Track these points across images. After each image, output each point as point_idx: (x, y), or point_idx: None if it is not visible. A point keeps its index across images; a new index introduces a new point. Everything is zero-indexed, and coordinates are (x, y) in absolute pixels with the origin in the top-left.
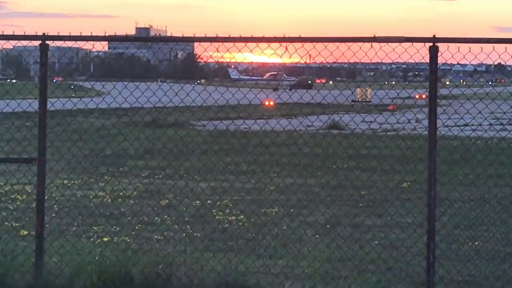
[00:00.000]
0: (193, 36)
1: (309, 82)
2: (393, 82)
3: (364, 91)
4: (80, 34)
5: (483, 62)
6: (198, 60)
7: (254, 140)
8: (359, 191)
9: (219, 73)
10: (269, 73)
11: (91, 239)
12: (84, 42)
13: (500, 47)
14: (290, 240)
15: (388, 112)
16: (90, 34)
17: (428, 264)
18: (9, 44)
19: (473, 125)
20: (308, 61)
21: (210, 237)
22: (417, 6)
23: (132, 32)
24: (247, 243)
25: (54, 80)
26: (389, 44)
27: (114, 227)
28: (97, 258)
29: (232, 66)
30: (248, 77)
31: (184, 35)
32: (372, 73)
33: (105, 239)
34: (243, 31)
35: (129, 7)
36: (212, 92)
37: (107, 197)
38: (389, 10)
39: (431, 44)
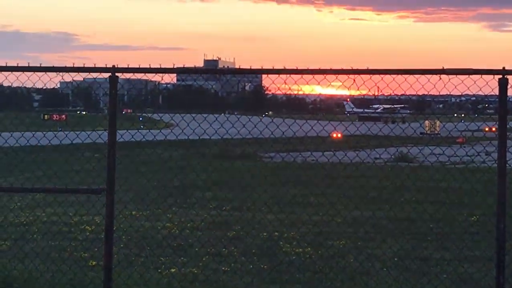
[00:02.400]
0: (260, 68)
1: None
2: (462, 115)
3: (433, 123)
4: (149, 66)
5: None
6: (265, 92)
7: (321, 172)
8: (427, 224)
9: (289, 105)
10: (383, 106)
11: (159, 270)
12: (153, 74)
13: None
14: (357, 273)
15: (457, 144)
16: (159, 66)
17: None
18: (79, 76)
19: None
20: (376, 93)
21: (277, 269)
22: (485, 37)
23: (200, 64)
24: (314, 276)
25: (123, 112)
26: (457, 76)
27: (182, 258)
28: None
29: (348, 100)
30: (361, 110)
31: (251, 67)
32: (441, 105)
33: (173, 270)
34: (312, 63)
35: (197, 39)
36: (280, 123)
37: (175, 228)
38: (456, 43)
39: (500, 76)
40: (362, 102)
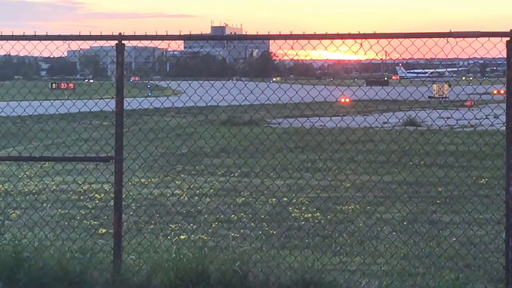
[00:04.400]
0: (267, 34)
1: (385, 78)
2: (470, 78)
3: (441, 87)
4: (155, 34)
5: None
6: (273, 58)
7: (330, 137)
8: (436, 188)
9: (297, 70)
10: (434, 70)
11: (168, 237)
12: (160, 41)
13: None
14: (367, 238)
15: (465, 108)
16: (166, 34)
17: (506, 260)
18: (86, 45)
19: None
20: (383, 58)
21: (287, 235)
22: (493, 2)
23: (207, 31)
24: (323, 241)
25: (131, 80)
26: (465, 39)
27: (191, 225)
28: (174, 256)
29: (400, 64)
30: (416, 74)
31: (258, 33)
32: (448, 70)
33: (182, 237)
34: (318, 28)
35: (204, 6)
36: (287, 89)
37: (184, 195)
38: (464, 9)
39: (508, 38)
40: (411, 66)
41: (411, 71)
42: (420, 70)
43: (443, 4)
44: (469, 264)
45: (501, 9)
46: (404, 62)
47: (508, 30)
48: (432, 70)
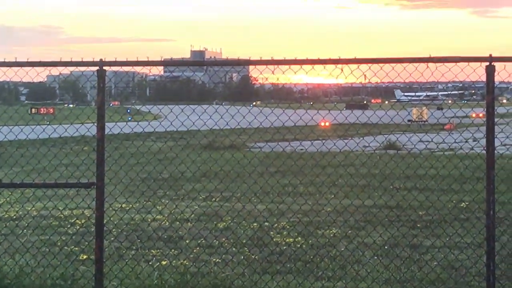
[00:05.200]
0: (248, 59)
1: (365, 102)
2: (450, 101)
3: (421, 111)
4: (136, 59)
5: None
6: (253, 82)
7: (311, 162)
8: (417, 212)
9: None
10: (427, 93)
11: (150, 263)
12: (141, 66)
13: None
14: (349, 262)
15: (445, 131)
16: (147, 59)
17: (487, 285)
18: (66, 70)
19: None
20: (363, 82)
21: (268, 260)
22: (471, 23)
23: (187, 55)
24: (305, 265)
25: (111, 104)
26: (445, 64)
27: (173, 250)
28: (156, 282)
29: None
30: (413, 95)
31: (239, 58)
32: (441, 93)
33: (164, 262)
34: (299, 51)
35: (184, 30)
36: (268, 114)
37: (165, 220)
38: (443, 30)
39: (487, 63)
40: (408, 89)
41: (408, 94)
42: (413, 94)
43: (421, 25)
44: None
45: (480, 33)
46: (402, 86)
47: (487, 55)
48: (426, 93)
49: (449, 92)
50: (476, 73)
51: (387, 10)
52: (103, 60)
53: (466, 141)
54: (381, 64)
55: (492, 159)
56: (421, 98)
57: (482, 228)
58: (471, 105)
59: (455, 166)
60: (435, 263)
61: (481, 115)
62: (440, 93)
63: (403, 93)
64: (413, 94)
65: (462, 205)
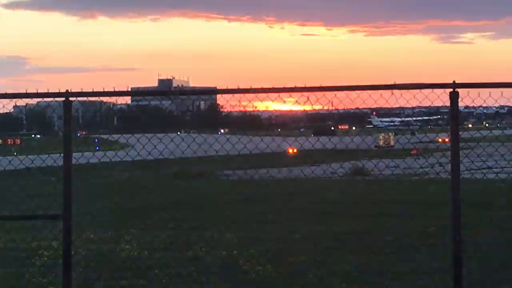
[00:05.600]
0: (214, 88)
1: (332, 128)
2: (418, 126)
3: (387, 136)
4: (103, 90)
5: (505, 105)
6: (220, 110)
7: (279, 189)
8: (385, 238)
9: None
10: (402, 119)
11: None
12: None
13: None
14: None
15: (411, 157)
16: (113, 89)
17: None
18: (33, 100)
19: (496, 167)
20: (330, 108)
21: None
22: (435, 49)
23: (154, 83)
24: None
25: (79, 134)
26: (409, 90)
27: (141, 280)
28: None
29: (374, 113)
30: (390, 120)
31: (206, 87)
32: (414, 119)
33: None
34: (266, 79)
35: (151, 59)
36: (235, 142)
37: (134, 250)
38: (407, 56)
39: (451, 89)
40: (384, 115)
41: (383, 119)
42: (390, 119)
43: (386, 51)
44: None
45: (444, 58)
46: (377, 112)
47: (451, 82)
48: (401, 119)
49: (422, 118)
50: (441, 99)
51: (352, 38)
52: (69, 91)
53: (432, 167)
54: (347, 92)
55: (457, 184)
56: (395, 123)
57: (449, 253)
58: (443, 129)
59: (421, 191)
60: None
61: (446, 140)
62: (414, 118)
63: (379, 119)
64: (389, 119)
65: (429, 230)
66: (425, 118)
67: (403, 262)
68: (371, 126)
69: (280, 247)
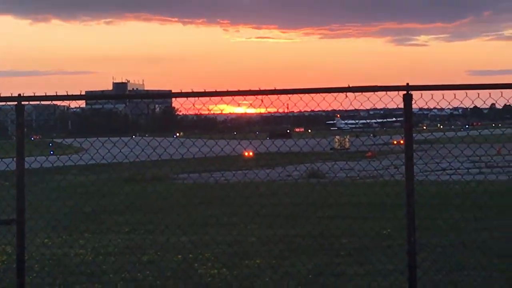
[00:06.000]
0: (169, 92)
1: (287, 131)
2: (374, 128)
3: (342, 139)
4: (55, 94)
5: (458, 106)
6: (175, 114)
7: (234, 192)
8: (340, 240)
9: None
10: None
11: None
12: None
13: (472, 92)
14: None
15: (366, 159)
16: (66, 93)
17: None
18: None
19: (450, 169)
20: (285, 111)
21: None
22: (390, 52)
23: (109, 87)
24: None
25: (32, 138)
26: (363, 93)
27: (96, 285)
28: None
29: (338, 115)
30: (354, 122)
31: (160, 90)
32: (374, 121)
33: None
34: (221, 83)
35: (105, 62)
36: (190, 146)
37: (88, 254)
38: (362, 58)
39: (404, 92)
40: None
41: (349, 122)
42: (354, 121)
43: (341, 54)
44: None
45: (398, 60)
46: (342, 114)
47: (405, 84)
48: (364, 121)
49: (384, 120)
50: (394, 102)
51: (307, 40)
52: (22, 95)
53: (386, 169)
54: (301, 95)
55: (411, 186)
56: (358, 125)
57: (404, 254)
58: (398, 131)
59: (376, 193)
60: None
61: (401, 142)
62: (374, 120)
63: (343, 122)
64: (354, 122)
65: (384, 232)
66: (390, 120)
67: (359, 264)
68: (335, 128)
69: (236, 250)
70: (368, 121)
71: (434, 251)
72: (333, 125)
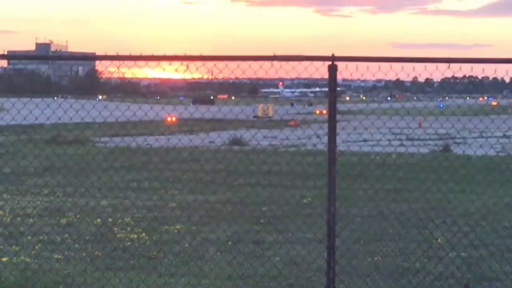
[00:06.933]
0: (93, 54)
1: (211, 97)
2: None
3: (266, 107)
4: None
5: (382, 78)
6: (99, 77)
7: (156, 157)
8: (260, 208)
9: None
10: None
11: None
12: None
13: (397, 65)
14: (192, 258)
15: (290, 128)
16: None
17: (328, 280)
18: None
19: (372, 140)
20: (210, 77)
21: (111, 256)
22: (315, 21)
23: (32, 47)
24: (148, 262)
25: None
26: (289, 62)
27: (13, 246)
28: None
29: (281, 83)
30: (294, 90)
31: (84, 52)
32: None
33: (4, 259)
34: (145, 47)
35: (29, 22)
36: (113, 109)
37: (6, 216)
38: (288, 27)
39: (330, 62)
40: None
41: (291, 89)
42: (293, 90)
43: (267, 22)
44: (292, 283)
45: (323, 31)
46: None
47: (330, 54)
48: (301, 90)
49: (321, 89)
50: (319, 72)
51: (234, 6)
52: None
53: (309, 138)
54: (227, 62)
55: (333, 156)
56: (295, 94)
57: (323, 224)
58: (321, 101)
59: (298, 162)
60: (277, 258)
61: (324, 112)
62: (311, 90)
63: (285, 89)
64: (294, 90)
65: (304, 201)
66: (316, 90)
67: (278, 232)
68: (278, 96)
69: (156, 216)
70: (312, 89)
71: (353, 221)
72: (278, 93)
